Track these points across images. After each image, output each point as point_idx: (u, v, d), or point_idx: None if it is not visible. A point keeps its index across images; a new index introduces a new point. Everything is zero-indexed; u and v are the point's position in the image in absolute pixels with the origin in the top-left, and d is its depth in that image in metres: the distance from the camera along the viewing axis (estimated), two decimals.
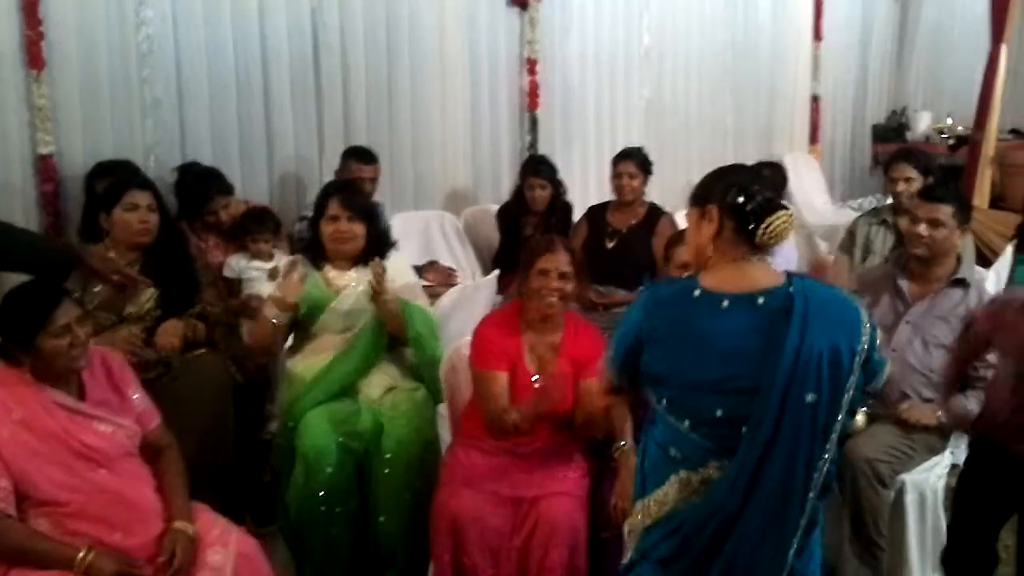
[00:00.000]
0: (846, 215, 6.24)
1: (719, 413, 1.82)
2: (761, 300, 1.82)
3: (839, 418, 1.82)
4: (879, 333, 1.90)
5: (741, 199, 1.85)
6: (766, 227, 1.83)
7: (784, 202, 1.92)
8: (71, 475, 2.30)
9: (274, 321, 3.07)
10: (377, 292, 3.02)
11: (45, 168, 3.78)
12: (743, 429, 1.79)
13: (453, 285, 4.31)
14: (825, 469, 1.83)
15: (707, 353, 1.82)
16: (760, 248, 1.86)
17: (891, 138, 7.84)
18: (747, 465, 1.78)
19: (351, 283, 3.18)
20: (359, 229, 3.18)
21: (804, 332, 1.76)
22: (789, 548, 1.85)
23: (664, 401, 1.89)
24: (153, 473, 2.50)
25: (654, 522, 1.93)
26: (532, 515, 2.67)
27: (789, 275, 1.88)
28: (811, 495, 1.83)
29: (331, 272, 3.21)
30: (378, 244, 3.25)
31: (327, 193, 3.24)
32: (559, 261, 2.85)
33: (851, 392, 1.82)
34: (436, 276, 4.51)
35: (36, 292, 2.38)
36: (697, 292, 1.86)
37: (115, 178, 3.36)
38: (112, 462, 2.37)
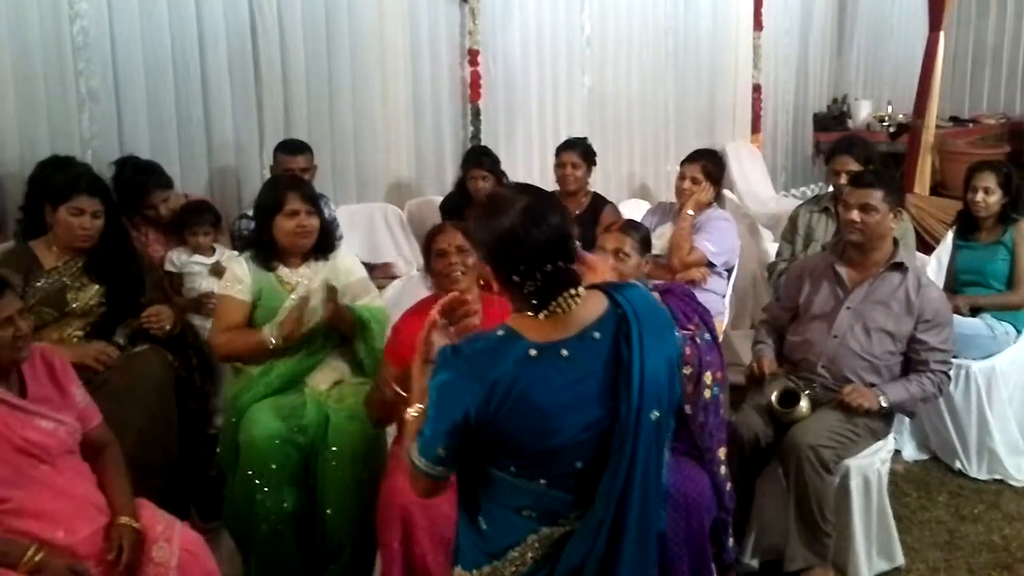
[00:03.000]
0: (788, 204, 6.33)
1: (579, 465, 1.71)
2: (597, 335, 1.71)
3: (672, 422, 1.79)
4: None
5: (516, 279, 1.68)
6: (554, 307, 1.69)
7: (568, 272, 1.71)
8: (13, 471, 2.27)
9: (270, 346, 3.02)
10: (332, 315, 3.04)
11: None
12: (600, 470, 1.70)
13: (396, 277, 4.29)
14: (663, 476, 1.81)
15: (558, 411, 1.66)
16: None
17: (832, 127, 7.95)
18: (612, 502, 1.70)
19: (303, 280, 3.15)
20: (316, 223, 3.14)
21: (643, 354, 1.69)
22: (654, 561, 1.83)
23: (512, 469, 1.73)
24: (94, 470, 2.48)
25: None
26: None
27: (609, 292, 1.76)
28: (662, 506, 1.82)
29: (283, 270, 3.15)
30: (328, 238, 3.22)
31: (282, 188, 3.15)
32: (453, 238, 2.86)
33: (677, 391, 1.80)
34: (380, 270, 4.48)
35: None
36: (533, 352, 1.67)
37: (66, 174, 3.31)
38: (54, 459, 2.35)
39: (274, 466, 2.94)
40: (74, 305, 3.05)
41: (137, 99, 4.18)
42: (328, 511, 3.02)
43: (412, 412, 1.84)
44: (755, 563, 3.17)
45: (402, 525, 2.66)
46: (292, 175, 3.82)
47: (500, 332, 1.72)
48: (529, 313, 1.71)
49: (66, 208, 3.04)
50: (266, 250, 3.13)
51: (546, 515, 1.75)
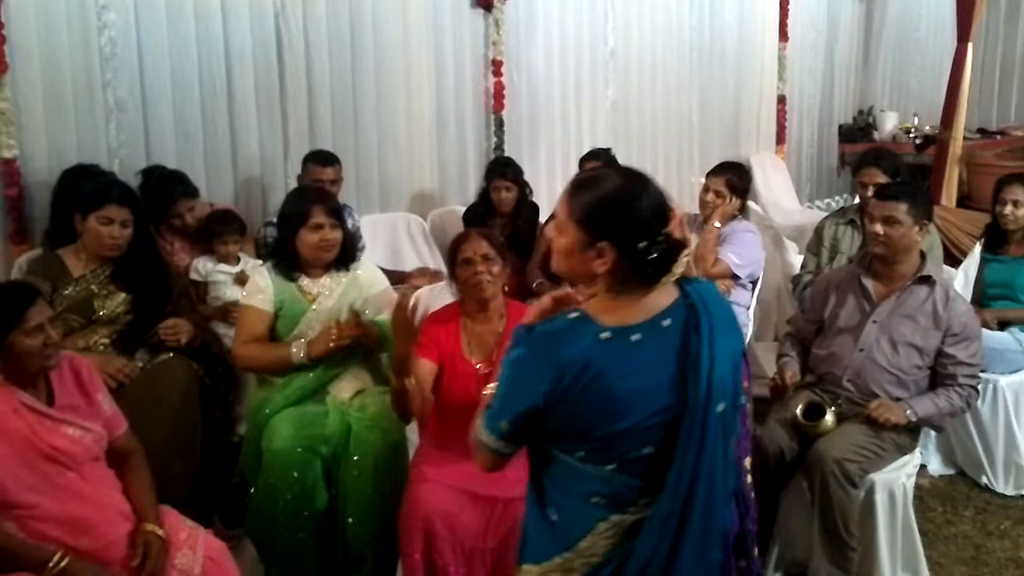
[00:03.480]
0: (813, 216, 6.28)
1: (648, 451, 1.72)
2: (667, 322, 1.72)
3: (739, 419, 1.80)
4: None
5: (643, 244, 1.68)
6: (663, 277, 1.71)
7: (685, 237, 1.75)
8: (39, 478, 2.29)
9: (296, 362, 3.04)
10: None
11: (9, 172, 3.75)
12: (669, 458, 1.71)
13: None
14: (731, 473, 1.81)
15: (627, 396, 1.68)
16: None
17: (858, 138, 7.91)
18: (680, 494, 1.70)
19: (324, 291, 3.16)
20: (339, 236, 3.16)
21: (712, 345, 1.70)
22: (715, 566, 1.81)
23: (579, 454, 1.74)
24: (119, 477, 2.50)
25: None
26: (507, 518, 2.67)
27: (681, 286, 1.77)
28: (728, 505, 1.81)
29: (304, 280, 3.16)
30: (350, 249, 3.24)
31: (308, 200, 3.15)
32: (478, 246, 2.88)
33: (741, 389, 1.80)
34: (422, 278, 4.46)
35: (9, 292, 2.40)
36: (605, 335, 1.68)
37: (97, 183, 3.36)
38: (80, 466, 2.37)
39: (296, 475, 2.95)
40: (101, 313, 3.08)
41: (164, 110, 4.21)
42: (350, 520, 3.02)
43: (487, 390, 1.85)
44: None
45: (424, 536, 2.66)
46: (318, 187, 3.84)
47: (573, 315, 1.73)
48: (607, 295, 1.72)
49: (96, 217, 3.08)
50: (289, 260, 3.14)
51: (615, 501, 1.75)
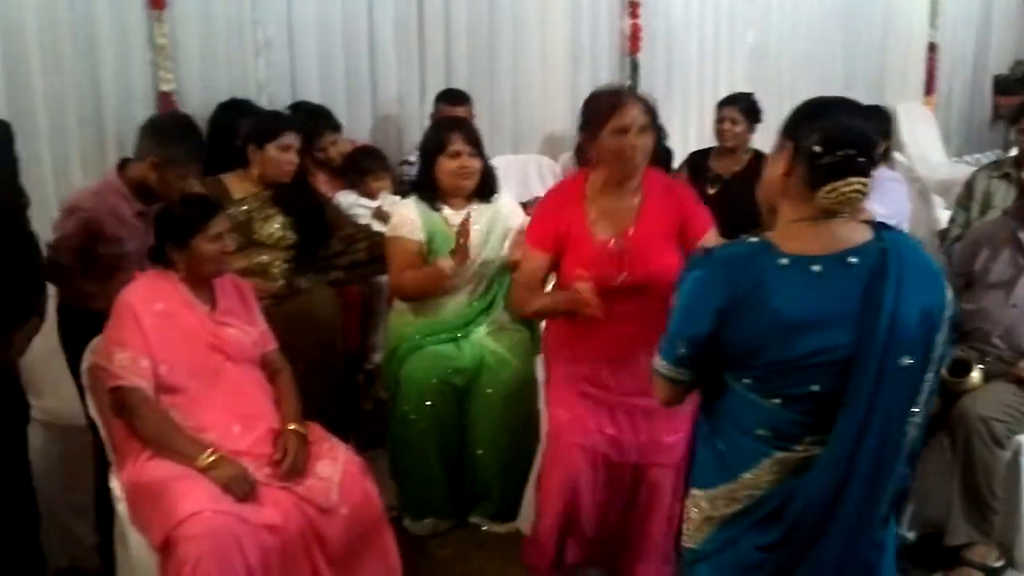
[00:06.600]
0: (962, 170, 5.95)
1: (815, 388, 1.68)
2: (853, 260, 1.67)
3: (928, 379, 1.71)
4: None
5: (819, 148, 1.65)
6: (829, 190, 1.65)
7: (870, 168, 1.70)
8: (203, 365, 2.48)
9: (448, 272, 3.05)
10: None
11: (166, 104, 3.92)
12: (840, 400, 1.66)
13: None
14: (914, 435, 1.74)
15: (798, 326, 1.65)
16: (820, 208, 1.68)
17: (1014, 90, 7.41)
18: (847, 438, 1.66)
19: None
20: (478, 164, 3.17)
21: (899, 293, 1.63)
22: (881, 520, 1.76)
23: (746, 380, 1.73)
24: None
25: (742, 509, 1.78)
26: (637, 484, 2.66)
27: (877, 229, 1.72)
28: (902, 463, 1.74)
29: (447, 211, 3.18)
30: (491, 179, 3.26)
31: (446, 129, 3.19)
32: (635, 114, 2.50)
33: (940, 350, 1.71)
34: None
35: (196, 202, 2.61)
36: (784, 261, 1.66)
37: (266, 115, 3.56)
38: (238, 361, 2.55)
39: (429, 404, 3.05)
40: (261, 234, 3.21)
41: (309, 48, 4.34)
42: (479, 451, 3.11)
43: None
44: (912, 535, 3.05)
45: (564, 500, 2.60)
46: (458, 117, 3.87)
47: (754, 239, 1.74)
48: (790, 224, 1.71)
49: (275, 145, 3.19)
50: (430, 190, 3.18)
51: (781, 437, 1.73)
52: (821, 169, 1.66)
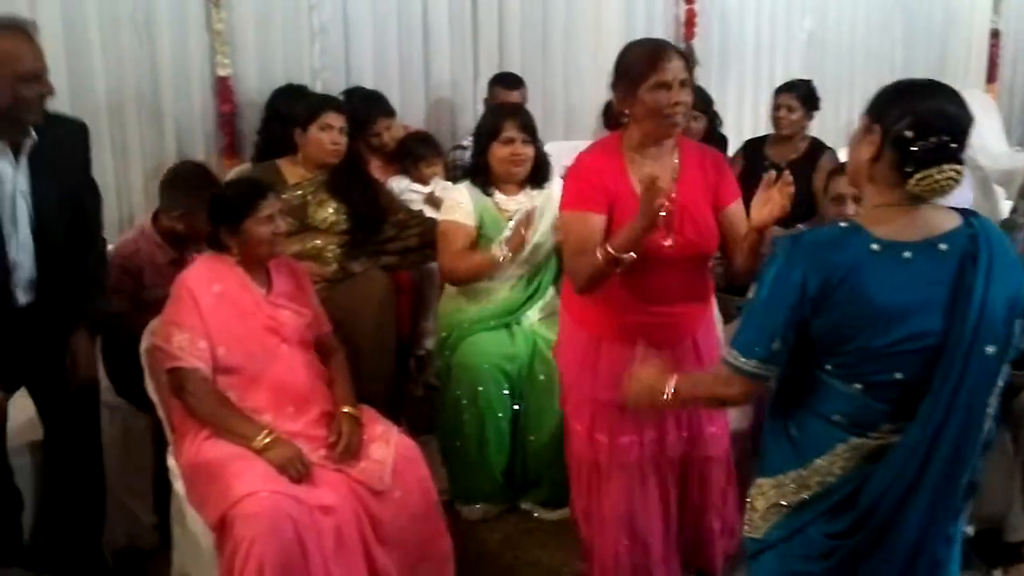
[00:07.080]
0: None
1: (898, 376, 1.65)
2: (943, 246, 1.64)
3: (1004, 369, 1.68)
4: None
5: (910, 134, 1.61)
6: (921, 178, 1.61)
7: (961, 154, 1.65)
8: (258, 345, 2.51)
9: (500, 259, 3.05)
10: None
11: (223, 89, 3.98)
12: (923, 387, 1.63)
13: None
14: (989, 426, 1.70)
15: (886, 313, 1.62)
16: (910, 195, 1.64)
17: None
18: (929, 427, 1.63)
19: (520, 207, 3.16)
20: (531, 151, 3.17)
21: (989, 280, 1.61)
22: (954, 512, 1.73)
23: (828, 367, 1.70)
24: None
25: (812, 496, 1.75)
26: (687, 481, 2.60)
27: (964, 215, 1.70)
28: (978, 455, 1.71)
29: (499, 196, 3.20)
30: (544, 167, 3.25)
31: (500, 115, 3.20)
32: (677, 67, 2.28)
33: (1016, 339, 1.68)
34: None
35: (245, 185, 2.66)
36: (875, 247, 1.63)
37: (314, 97, 3.58)
38: (293, 343, 2.57)
39: (481, 389, 3.05)
40: (315, 218, 3.24)
41: (364, 34, 4.36)
42: (531, 438, 3.11)
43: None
44: (970, 530, 2.99)
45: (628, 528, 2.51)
46: (513, 103, 3.87)
47: (844, 224, 1.71)
48: (879, 208, 1.68)
49: (317, 125, 3.21)
50: (483, 175, 3.19)
51: (857, 423, 1.71)
52: (913, 156, 1.62)
